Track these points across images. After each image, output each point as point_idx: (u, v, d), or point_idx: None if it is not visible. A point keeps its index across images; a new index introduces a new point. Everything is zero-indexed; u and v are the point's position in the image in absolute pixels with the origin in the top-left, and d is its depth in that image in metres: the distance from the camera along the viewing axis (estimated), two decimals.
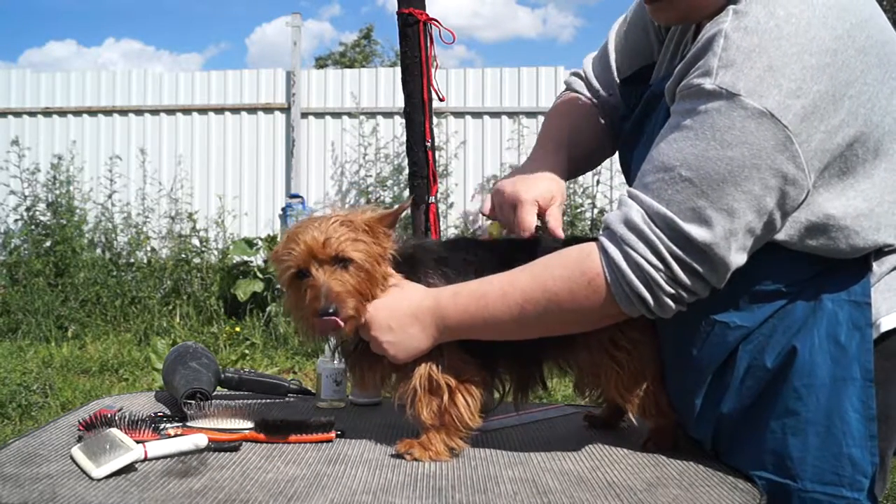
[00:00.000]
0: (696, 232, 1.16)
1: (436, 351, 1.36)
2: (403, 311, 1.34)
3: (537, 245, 1.40)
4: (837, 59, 1.14)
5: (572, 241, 1.35)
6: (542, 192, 1.44)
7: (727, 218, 1.16)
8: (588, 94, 1.65)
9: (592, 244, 1.25)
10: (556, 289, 1.25)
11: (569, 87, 1.69)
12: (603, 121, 1.63)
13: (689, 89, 1.19)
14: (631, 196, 1.23)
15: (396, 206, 1.40)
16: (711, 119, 1.15)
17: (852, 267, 1.23)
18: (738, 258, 1.19)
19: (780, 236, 1.21)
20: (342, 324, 1.32)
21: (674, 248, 1.18)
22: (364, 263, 1.33)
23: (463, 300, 1.31)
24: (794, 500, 1.22)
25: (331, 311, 1.30)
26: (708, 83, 1.15)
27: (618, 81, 1.60)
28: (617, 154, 1.62)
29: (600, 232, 1.26)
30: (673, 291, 1.20)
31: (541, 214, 1.43)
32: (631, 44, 1.59)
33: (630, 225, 1.20)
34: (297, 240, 1.33)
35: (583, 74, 1.67)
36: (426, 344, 1.34)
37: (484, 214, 1.52)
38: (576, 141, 1.59)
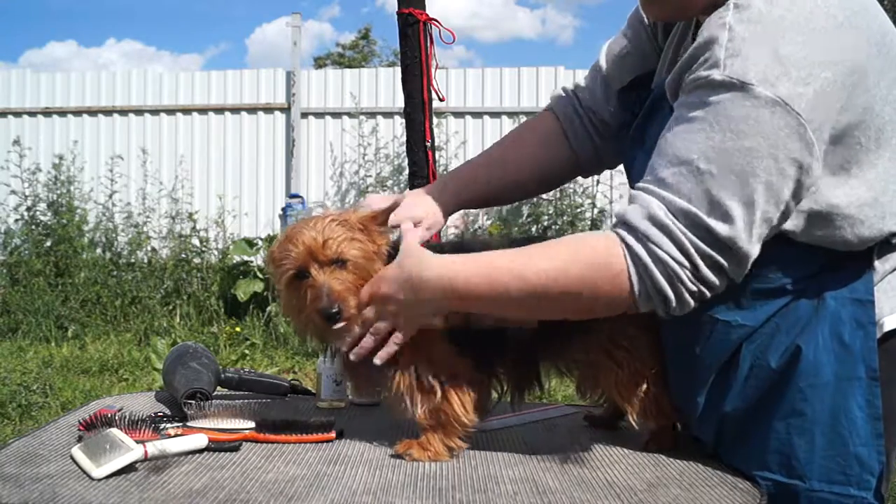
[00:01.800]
0: (719, 227, 1.15)
1: (426, 351, 1.35)
2: (412, 280, 1.30)
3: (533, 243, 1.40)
4: (840, 46, 1.14)
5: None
6: (415, 214, 1.54)
7: (746, 209, 1.15)
8: (568, 113, 1.65)
9: (611, 236, 1.22)
10: (579, 279, 1.21)
11: (549, 105, 1.70)
12: (573, 143, 1.65)
13: (696, 81, 1.18)
14: (647, 191, 1.20)
15: (389, 204, 1.41)
16: (725, 110, 1.14)
17: (855, 264, 1.23)
18: (755, 249, 1.19)
19: (786, 226, 1.21)
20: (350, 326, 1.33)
21: (700, 244, 1.16)
22: (360, 262, 1.34)
23: (473, 273, 1.27)
24: (802, 501, 1.22)
25: (334, 310, 1.30)
26: (717, 74, 1.15)
27: (604, 93, 1.61)
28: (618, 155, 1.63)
29: (616, 226, 1.22)
30: (695, 289, 1.19)
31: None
32: (624, 51, 1.59)
33: (654, 220, 1.18)
34: (296, 241, 1.33)
35: (570, 91, 1.68)
36: (433, 310, 1.32)
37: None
38: (496, 174, 1.65)
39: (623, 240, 1.20)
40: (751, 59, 1.13)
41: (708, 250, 1.17)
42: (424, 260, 1.33)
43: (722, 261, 1.17)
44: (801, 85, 1.12)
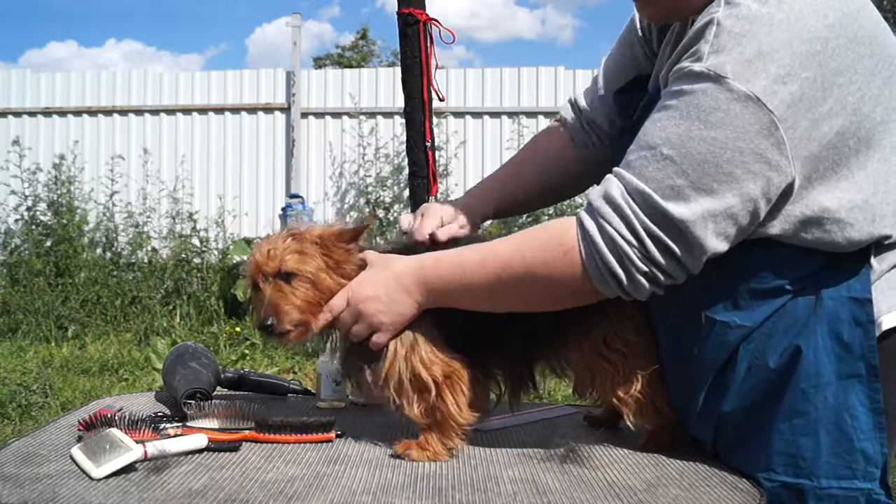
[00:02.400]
0: (674, 209, 1.16)
1: (418, 344, 1.36)
2: (386, 279, 1.35)
3: None
4: (828, 47, 1.14)
5: None
6: (448, 213, 1.54)
7: (706, 198, 1.16)
8: (575, 122, 1.68)
9: (571, 218, 1.26)
10: (532, 259, 1.25)
11: (559, 116, 1.72)
12: (582, 152, 1.66)
13: (678, 72, 1.19)
14: (614, 173, 1.24)
15: (359, 224, 1.43)
16: (697, 100, 1.15)
17: (851, 263, 1.23)
18: (716, 243, 1.18)
19: (775, 230, 1.21)
20: (286, 334, 1.36)
21: (649, 223, 1.18)
22: (309, 275, 1.36)
23: (443, 265, 1.33)
24: (811, 498, 1.22)
25: (267, 322, 1.34)
26: (697, 66, 1.16)
27: (602, 102, 1.62)
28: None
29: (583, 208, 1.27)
30: (646, 269, 1.20)
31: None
32: (618, 61, 1.61)
33: (608, 199, 1.21)
34: (251, 256, 1.39)
35: (573, 101, 1.70)
36: (412, 309, 1.35)
37: (402, 230, 1.59)
38: (520, 183, 1.67)
39: (580, 218, 1.24)
40: (733, 53, 1.14)
41: (657, 231, 1.18)
42: (395, 259, 1.38)
43: (672, 244, 1.18)
44: (779, 83, 1.12)
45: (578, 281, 1.23)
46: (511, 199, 1.67)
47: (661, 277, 1.21)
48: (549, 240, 1.26)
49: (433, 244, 1.47)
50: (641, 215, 1.18)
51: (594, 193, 1.24)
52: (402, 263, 1.37)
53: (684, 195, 1.16)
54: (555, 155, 1.68)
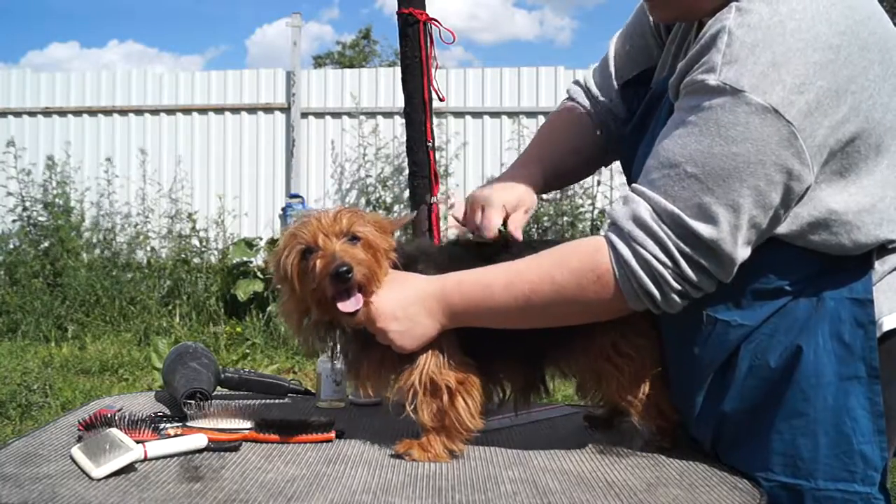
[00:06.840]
0: (703, 228, 1.17)
1: (437, 350, 1.36)
2: (408, 300, 1.34)
3: (530, 249, 1.40)
4: (840, 54, 1.14)
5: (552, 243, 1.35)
6: (509, 199, 1.48)
7: (733, 213, 1.16)
8: (587, 103, 1.65)
9: (600, 239, 1.26)
10: (564, 282, 1.26)
11: (568, 96, 1.70)
12: (598, 131, 1.63)
13: (693, 85, 1.19)
14: (637, 192, 1.23)
15: (403, 216, 1.42)
16: (716, 115, 1.15)
17: (854, 264, 1.24)
18: (743, 252, 1.20)
19: (782, 230, 1.22)
20: (359, 302, 1.31)
21: (681, 244, 1.19)
22: (372, 241, 1.34)
23: (468, 288, 1.32)
24: (808, 500, 1.22)
25: (344, 268, 1.28)
26: (712, 79, 1.16)
27: (616, 87, 1.60)
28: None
29: (606, 227, 1.27)
30: (680, 288, 1.21)
31: (506, 219, 1.46)
32: (630, 50, 1.60)
33: (638, 222, 1.21)
34: (305, 223, 1.34)
35: (582, 83, 1.68)
36: (433, 331, 1.35)
37: (455, 218, 1.55)
38: (553, 155, 1.62)
39: (610, 241, 1.24)
40: (747, 65, 1.14)
41: (690, 251, 1.19)
42: (414, 279, 1.37)
43: (704, 262, 1.19)
44: (795, 93, 1.13)
45: (612, 302, 1.25)
46: (551, 177, 1.61)
47: (693, 292, 1.23)
48: (581, 264, 1.26)
49: (506, 244, 1.44)
50: (673, 237, 1.19)
51: (620, 214, 1.23)
52: (424, 284, 1.35)
53: (712, 213, 1.17)
54: (582, 131, 1.64)
